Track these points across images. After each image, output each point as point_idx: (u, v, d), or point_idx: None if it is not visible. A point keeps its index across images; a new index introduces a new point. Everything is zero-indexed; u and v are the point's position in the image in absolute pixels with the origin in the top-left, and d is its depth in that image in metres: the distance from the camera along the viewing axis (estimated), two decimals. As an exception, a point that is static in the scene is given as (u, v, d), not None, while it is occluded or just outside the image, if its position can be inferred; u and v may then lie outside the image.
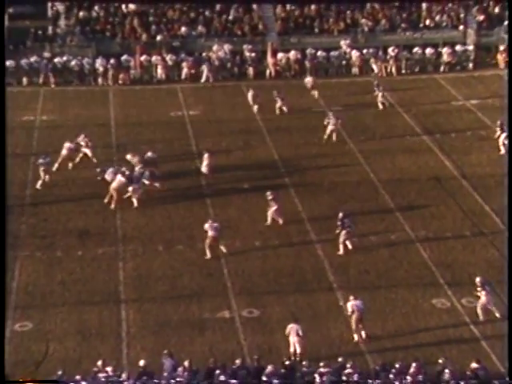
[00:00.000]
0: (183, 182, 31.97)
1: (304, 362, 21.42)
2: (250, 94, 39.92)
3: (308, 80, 42.00)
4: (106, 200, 30.22)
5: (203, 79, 43.72)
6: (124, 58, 44.34)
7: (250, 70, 44.23)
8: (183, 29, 46.60)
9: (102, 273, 26.35)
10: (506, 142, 34.44)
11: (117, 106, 40.38)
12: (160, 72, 44.04)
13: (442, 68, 45.21)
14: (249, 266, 26.63)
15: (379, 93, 39.91)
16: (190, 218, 29.27)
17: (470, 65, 45.66)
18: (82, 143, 33.20)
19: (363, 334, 23.15)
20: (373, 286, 25.34)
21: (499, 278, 25.67)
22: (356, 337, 23.11)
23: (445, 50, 45.48)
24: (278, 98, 39.01)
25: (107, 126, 37.22)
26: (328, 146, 35.45)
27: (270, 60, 44.73)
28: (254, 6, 48.23)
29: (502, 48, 45.81)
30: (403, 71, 45.01)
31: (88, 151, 33.17)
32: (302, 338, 22.26)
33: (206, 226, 27.36)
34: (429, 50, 45.49)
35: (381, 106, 39.64)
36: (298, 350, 22.25)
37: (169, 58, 44.55)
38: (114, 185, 30.21)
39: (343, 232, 27.30)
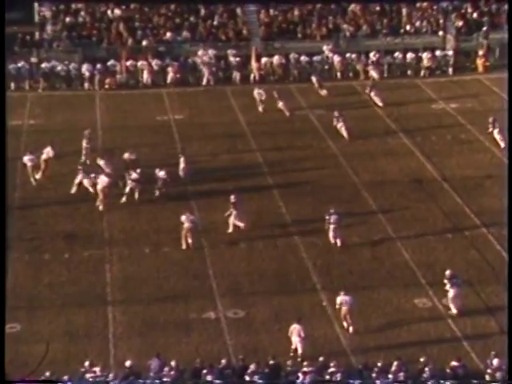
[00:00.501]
0: (169, 185, 31.92)
1: (288, 362, 21.50)
2: (255, 92, 39.98)
3: (314, 80, 42.65)
4: (99, 205, 30.23)
5: (204, 82, 43.63)
6: (110, 62, 44.27)
7: (236, 75, 44.30)
8: (168, 34, 46.57)
9: (89, 275, 26.33)
10: (500, 135, 35.03)
11: (103, 111, 40.33)
12: (146, 77, 44.00)
13: (422, 72, 45.39)
14: (234, 267, 26.67)
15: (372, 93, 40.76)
16: (176, 221, 29.21)
17: (450, 69, 45.83)
18: (44, 155, 32.74)
19: (350, 329, 23.40)
20: (355, 286, 25.40)
21: (480, 278, 25.86)
22: (350, 328, 23.46)
23: (425, 55, 45.64)
24: (279, 99, 39.30)
25: (93, 131, 37.08)
26: (311, 149, 35.55)
27: (254, 65, 44.80)
28: (239, 12, 48.33)
29: (480, 53, 46.09)
30: (386, 75, 45.18)
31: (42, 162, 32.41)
32: (303, 339, 22.30)
33: (183, 217, 27.73)
34: (409, 55, 45.67)
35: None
36: (300, 351, 22.28)
37: (154, 62, 44.50)
38: (99, 186, 30.24)
39: (331, 227, 27.61)
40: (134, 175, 30.79)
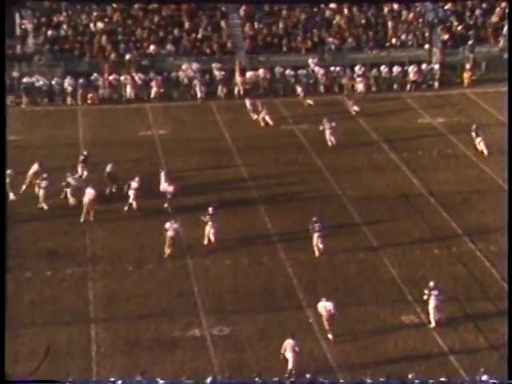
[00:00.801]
0: (152, 201, 32.04)
1: (275, 379, 21.61)
2: (248, 103, 40.61)
3: (299, 90, 43.47)
4: (82, 219, 30.37)
5: (199, 95, 43.80)
6: (93, 77, 44.36)
7: (221, 89, 44.43)
8: (152, 47, 46.73)
9: (72, 293, 26.36)
10: (483, 143, 35.99)
11: (86, 126, 40.40)
12: (129, 91, 44.12)
13: (408, 86, 45.72)
14: (219, 284, 26.78)
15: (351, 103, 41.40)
16: (160, 238, 29.31)
17: (436, 83, 46.16)
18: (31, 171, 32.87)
19: (330, 336, 23.86)
20: (342, 303, 25.46)
21: (467, 294, 26.05)
22: (330, 335, 24.02)
23: (411, 69, 45.97)
24: (263, 109, 40.05)
25: (76, 146, 37.19)
26: (297, 164, 35.77)
27: (238, 78, 45.03)
28: (223, 24, 48.58)
29: (467, 67, 46.46)
30: (373, 89, 45.49)
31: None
32: (297, 355, 22.45)
33: (167, 225, 28.28)
34: (395, 69, 45.98)
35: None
36: (290, 366, 22.43)
37: (138, 77, 44.67)
38: (85, 199, 30.48)
39: (314, 235, 28.07)
40: (134, 184, 31.17)
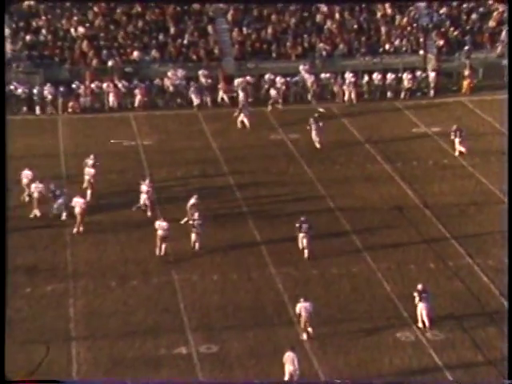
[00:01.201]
0: (137, 214, 32.09)
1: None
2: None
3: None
4: (75, 230, 30.65)
5: (195, 103, 43.91)
6: (74, 85, 44.41)
7: (207, 98, 44.56)
8: (136, 53, 46.88)
9: (52, 310, 26.32)
10: (461, 145, 37.10)
11: (66, 136, 40.46)
12: (112, 100, 44.23)
13: (402, 94, 45.99)
14: (206, 300, 26.85)
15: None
16: (145, 252, 29.40)
17: (431, 91, 46.43)
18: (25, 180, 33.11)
19: (310, 330, 24.78)
20: (334, 319, 25.64)
21: (465, 311, 26.13)
22: (304, 335, 24.75)
23: (405, 76, 46.23)
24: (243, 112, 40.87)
25: (56, 157, 37.26)
26: (287, 174, 35.93)
27: (221, 86, 45.05)
28: (210, 30, 48.75)
29: (466, 73, 46.60)
30: (366, 96, 45.71)
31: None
32: (295, 368, 22.62)
33: (156, 224, 29.28)
34: (389, 76, 46.21)
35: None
36: (286, 377, 22.58)
37: (121, 84, 44.78)
38: (76, 210, 30.72)
39: (300, 235, 28.93)
40: (145, 187, 31.82)
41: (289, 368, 22.70)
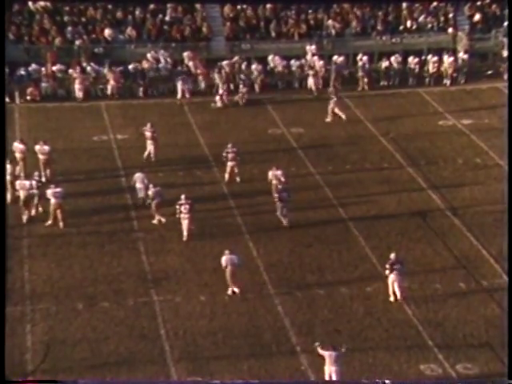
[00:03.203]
0: (109, 222, 32.16)
1: None
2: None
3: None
4: (49, 223, 31.31)
5: (179, 95, 44.11)
6: (32, 67, 44.49)
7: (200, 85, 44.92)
8: (107, 32, 46.98)
9: (5, 338, 26.29)
10: None
11: (24, 129, 40.48)
12: (78, 87, 44.16)
13: (426, 80, 46.13)
14: (192, 325, 26.85)
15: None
16: (118, 268, 29.45)
17: (462, 76, 46.53)
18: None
19: (236, 289, 27.60)
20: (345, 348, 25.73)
21: (501, 339, 26.19)
22: (230, 290, 27.84)
23: (430, 58, 46.37)
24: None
25: (12, 153, 37.24)
26: (288, 177, 35.94)
27: (199, 71, 45.14)
28: (197, 5, 48.79)
29: (505, 54, 46.40)
30: (383, 83, 45.83)
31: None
32: None
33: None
34: (411, 59, 46.34)
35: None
36: None
37: (90, 68, 44.84)
38: (52, 201, 31.59)
39: (279, 205, 31.89)
40: (153, 189, 32.31)
41: None
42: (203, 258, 30.16)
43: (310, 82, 44.72)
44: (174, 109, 43.11)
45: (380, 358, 25.53)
